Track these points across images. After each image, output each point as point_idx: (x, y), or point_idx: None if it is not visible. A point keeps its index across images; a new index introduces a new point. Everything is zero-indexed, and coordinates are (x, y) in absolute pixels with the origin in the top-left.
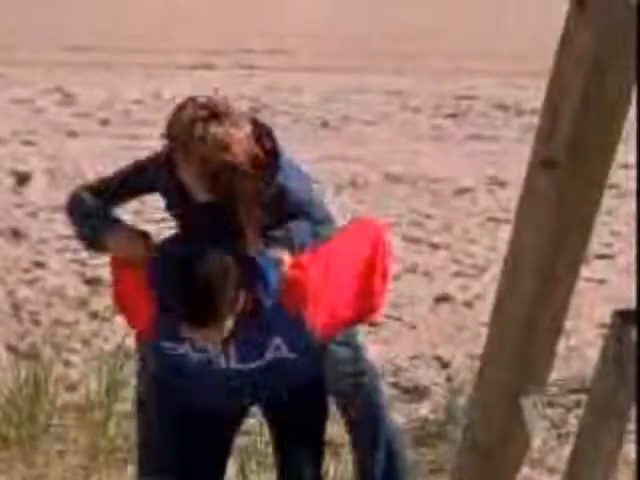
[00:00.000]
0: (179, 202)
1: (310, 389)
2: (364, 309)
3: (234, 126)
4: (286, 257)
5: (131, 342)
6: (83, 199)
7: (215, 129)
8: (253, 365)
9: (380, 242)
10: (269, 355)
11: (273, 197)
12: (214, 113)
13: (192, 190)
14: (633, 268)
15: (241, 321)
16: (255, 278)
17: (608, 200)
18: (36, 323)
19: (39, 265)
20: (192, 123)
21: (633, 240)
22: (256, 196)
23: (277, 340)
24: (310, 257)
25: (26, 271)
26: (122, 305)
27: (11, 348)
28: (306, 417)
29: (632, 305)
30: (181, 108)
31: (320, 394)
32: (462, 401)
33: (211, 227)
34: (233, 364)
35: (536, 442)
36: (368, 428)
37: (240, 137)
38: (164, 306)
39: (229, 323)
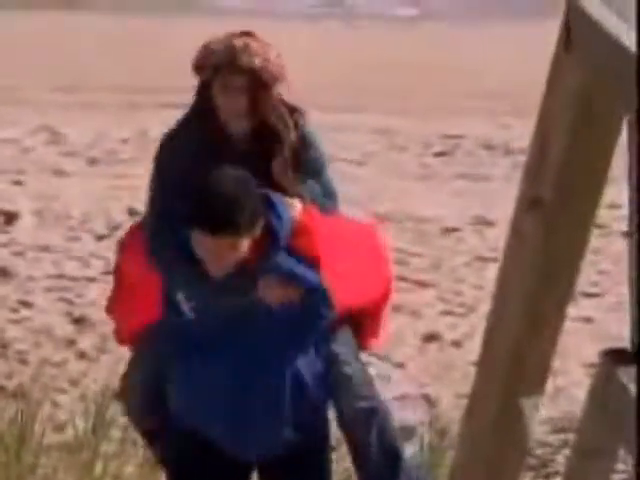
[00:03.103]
0: (213, 148)
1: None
2: (380, 292)
3: (267, 44)
4: (298, 204)
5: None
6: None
7: (255, 42)
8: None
9: (383, 245)
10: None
11: (297, 145)
12: (246, 32)
13: (229, 121)
14: (620, 307)
15: (255, 259)
16: (269, 210)
17: (595, 239)
18: (23, 362)
19: (26, 304)
20: (230, 39)
21: (620, 279)
22: (287, 130)
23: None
24: (319, 216)
25: (13, 310)
26: (125, 295)
27: None
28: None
29: (619, 344)
30: (209, 42)
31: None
32: (449, 440)
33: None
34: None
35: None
36: (384, 465)
37: (275, 54)
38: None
39: (244, 245)
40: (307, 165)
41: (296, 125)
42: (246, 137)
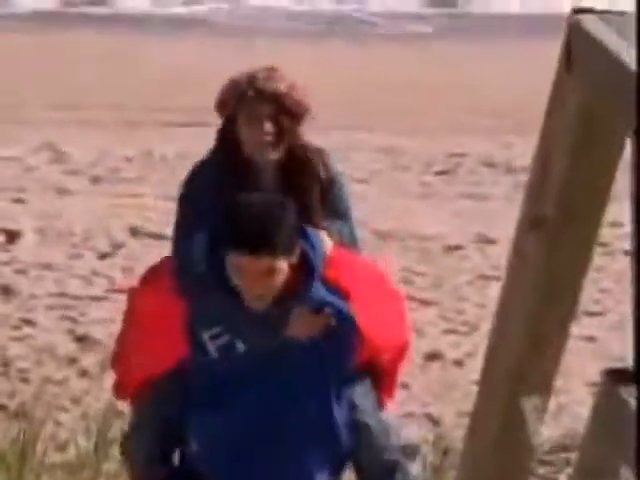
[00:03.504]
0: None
1: None
2: (401, 340)
3: (290, 77)
4: (327, 239)
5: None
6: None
7: (278, 73)
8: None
9: (405, 309)
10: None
11: (325, 183)
12: (270, 67)
13: (255, 154)
14: (622, 325)
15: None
16: (304, 239)
17: (597, 258)
18: (25, 381)
19: (29, 322)
20: (253, 74)
21: (622, 297)
22: (317, 165)
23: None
24: (348, 254)
25: (16, 328)
26: (139, 340)
27: (0, 406)
28: None
29: (621, 363)
30: (230, 80)
31: None
32: (452, 459)
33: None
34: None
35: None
36: None
37: (301, 85)
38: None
39: (283, 270)
40: (335, 205)
41: (325, 164)
42: (273, 170)
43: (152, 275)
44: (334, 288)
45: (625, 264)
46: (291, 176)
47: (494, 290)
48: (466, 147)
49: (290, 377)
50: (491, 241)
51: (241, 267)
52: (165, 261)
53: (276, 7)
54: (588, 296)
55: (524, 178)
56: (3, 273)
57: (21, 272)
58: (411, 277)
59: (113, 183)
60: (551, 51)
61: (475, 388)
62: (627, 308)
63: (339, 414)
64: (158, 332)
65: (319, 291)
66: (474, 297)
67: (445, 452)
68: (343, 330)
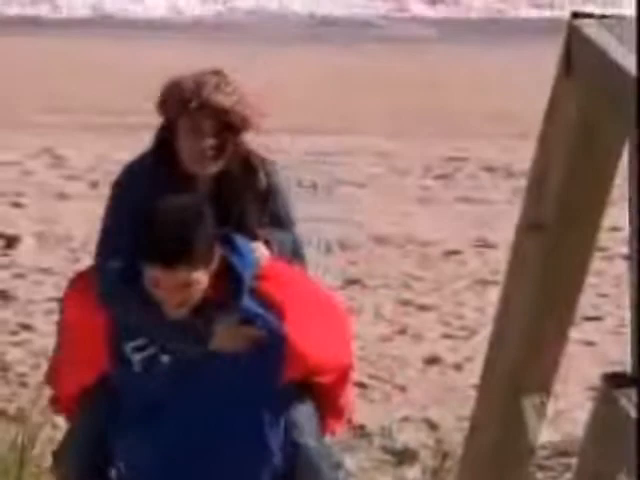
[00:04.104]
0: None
1: None
2: (342, 361)
3: (239, 86)
4: (263, 249)
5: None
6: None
7: (227, 81)
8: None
9: (348, 325)
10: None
11: (265, 194)
12: (217, 71)
13: (192, 164)
14: (621, 330)
15: (212, 303)
16: (228, 246)
17: (596, 262)
18: (24, 385)
19: (27, 327)
20: (200, 81)
21: (621, 302)
22: (255, 177)
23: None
24: (286, 266)
25: (14, 333)
26: (69, 353)
27: None
28: None
29: (620, 367)
30: (178, 77)
31: None
32: (451, 463)
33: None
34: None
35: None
36: None
37: (247, 96)
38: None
39: (202, 280)
40: (276, 216)
41: (267, 173)
42: (209, 180)
43: (80, 281)
44: (266, 301)
45: (624, 268)
46: (227, 184)
47: (493, 295)
48: (465, 151)
49: (217, 392)
50: (490, 246)
51: (156, 280)
52: (91, 269)
53: (270, 8)
54: (587, 301)
55: (524, 183)
56: (1, 278)
57: (19, 277)
58: (410, 282)
59: None
60: (552, 55)
61: (474, 392)
62: (626, 312)
63: (272, 432)
64: (85, 343)
65: (247, 303)
66: (473, 302)
67: (444, 456)
68: (271, 345)
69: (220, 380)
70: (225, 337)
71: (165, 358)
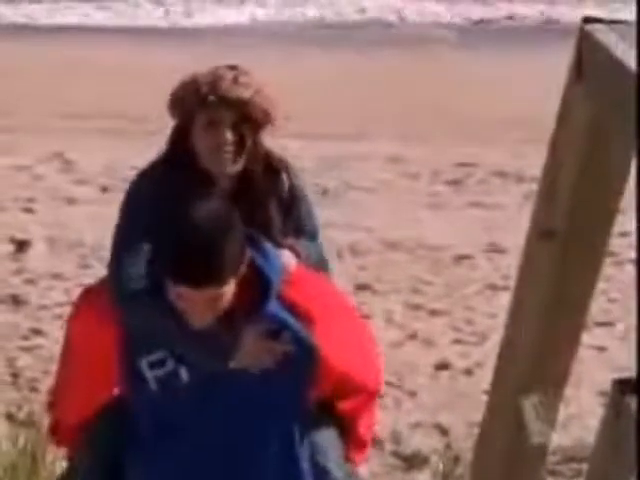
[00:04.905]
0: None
1: None
2: (366, 382)
3: (257, 79)
4: (290, 255)
5: None
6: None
7: (245, 75)
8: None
9: (373, 338)
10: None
11: (287, 197)
12: (233, 66)
13: (211, 165)
14: (632, 335)
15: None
16: (255, 249)
17: (606, 268)
18: (34, 390)
19: (38, 332)
20: (217, 75)
21: (631, 307)
22: (278, 178)
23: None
24: (314, 274)
25: (25, 338)
26: (76, 375)
27: (9, 416)
28: None
29: (631, 372)
30: (190, 76)
31: None
32: (461, 469)
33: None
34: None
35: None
36: None
37: (267, 90)
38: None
39: (230, 290)
40: (300, 223)
41: (289, 176)
42: (229, 182)
43: (88, 297)
44: (294, 309)
45: (634, 274)
46: (249, 186)
47: (504, 300)
48: (476, 156)
49: (243, 411)
50: (501, 251)
51: (182, 297)
52: (100, 283)
53: (282, 12)
54: (597, 306)
55: (535, 188)
56: (12, 283)
57: (30, 282)
58: (420, 287)
59: (122, 193)
60: (563, 60)
61: (485, 398)
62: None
63: (302, 452)
64: (93, 363)
65: (276, 311)
66: (484, 307)
67: (455, 462)
68: (301, 357)
69: (246, 397)
70: (251, 352)
71: (184, 374)
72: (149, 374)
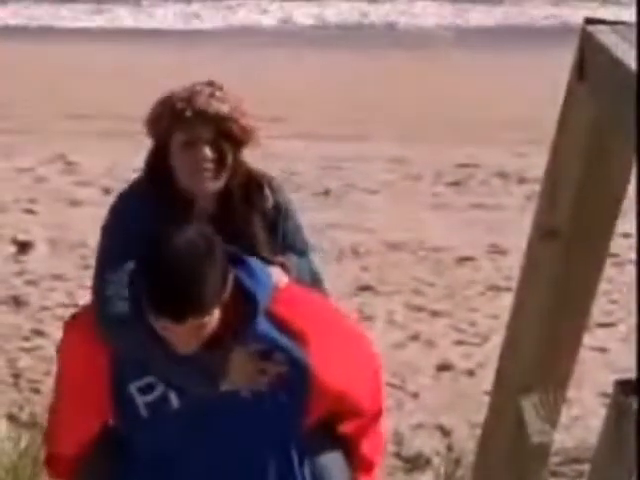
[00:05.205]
0: (174, 212)
1: None
2: (364, 403)
3: (236, 95)
4: (279, 272)
5: None
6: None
7: (222, 91)
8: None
9: (374, 353)
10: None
11: (273, 214)
12: (211, 82)
13: (191, 184)
14: (633, 337)
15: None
16: (238, 267)
17: (608, 268)
18: (36, 392)
19: (39, 333)
20: (192, 90)
21: (632, 308)
22: (261, 195)
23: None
24: (306, 291)
25: (26, 339)
26: (68, 404)
27: (11, 417)
28: None
29: (633, 374)
30: (166, 94)
31: None
32: (463, 470)
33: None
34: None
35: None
36: None
37: (245, 106)
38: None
39: (214, 318)
40: (289, 239)
41: (273, 192)
42: (211, 201)
43: (79, 320)
44: (286, 327)
45: (635, 275)
46: (231, 206)
47: (506, 301)
48: (478, 157)
49: (238, 435)
50: (503, 252)
51: (165, 329)
52: (85, 309)
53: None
54: (599, 307)
55: (536, 189)
56: (14, 284)
57: (32, 283)
58: (422, 288)
59: None
60: (565, 61)
61: (486, 399)
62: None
63: (303, 475)
64: (85, 390)
65: (266, 330)
66: (486, 308)
67: (457, 463)
68: (294, 377)
69: (240, 421)
70: (241, 373)
71: (174, 399)
72: (139, 400)
